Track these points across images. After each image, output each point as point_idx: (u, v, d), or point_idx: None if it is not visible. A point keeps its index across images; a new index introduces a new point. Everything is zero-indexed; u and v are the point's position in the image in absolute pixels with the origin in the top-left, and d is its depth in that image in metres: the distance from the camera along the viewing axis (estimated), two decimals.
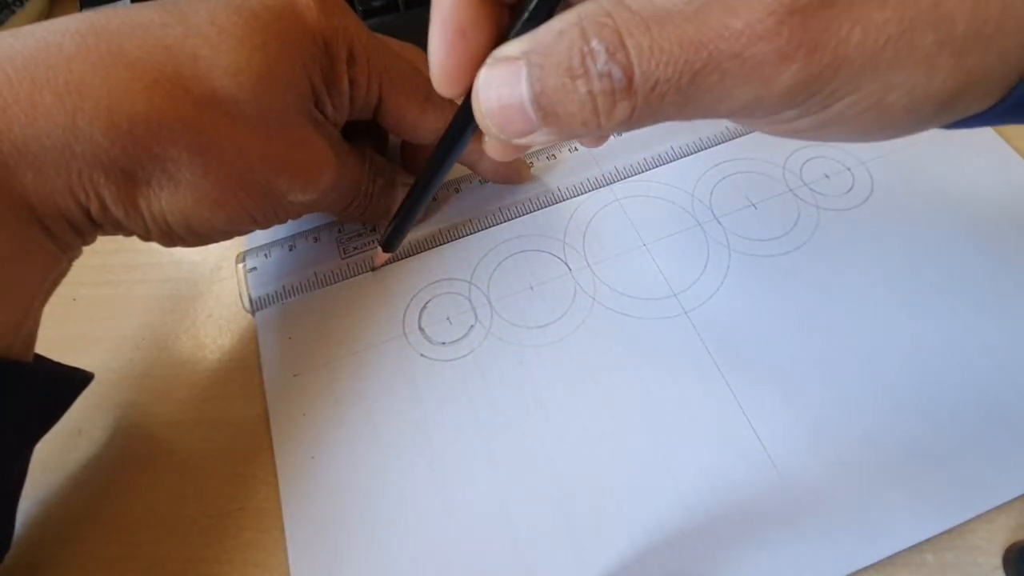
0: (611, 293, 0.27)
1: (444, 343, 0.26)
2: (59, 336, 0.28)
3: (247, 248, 0.29)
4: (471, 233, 0.29)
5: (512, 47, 0.15)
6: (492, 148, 0.20)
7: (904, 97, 0.14)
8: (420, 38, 0.31)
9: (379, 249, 0.27)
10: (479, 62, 0.16)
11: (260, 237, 0.29)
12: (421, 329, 0.27)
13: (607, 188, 0.30)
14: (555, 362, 0.25)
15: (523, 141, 0.16)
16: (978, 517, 0.22)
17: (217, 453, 0.25)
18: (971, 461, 0.22)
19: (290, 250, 0.29)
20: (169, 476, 0.25)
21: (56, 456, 0.25)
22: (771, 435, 0.23)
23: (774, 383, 0.24)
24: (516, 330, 0.26)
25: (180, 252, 0.30)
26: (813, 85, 0.14)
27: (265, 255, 0.29)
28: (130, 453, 0.25)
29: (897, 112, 0.15)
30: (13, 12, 0.35)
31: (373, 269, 0.28)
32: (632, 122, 0.15)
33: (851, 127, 0.16)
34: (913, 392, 0.24)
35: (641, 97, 0.14)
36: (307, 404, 0.25)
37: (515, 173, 0.29)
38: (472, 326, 0.26)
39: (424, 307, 0.27)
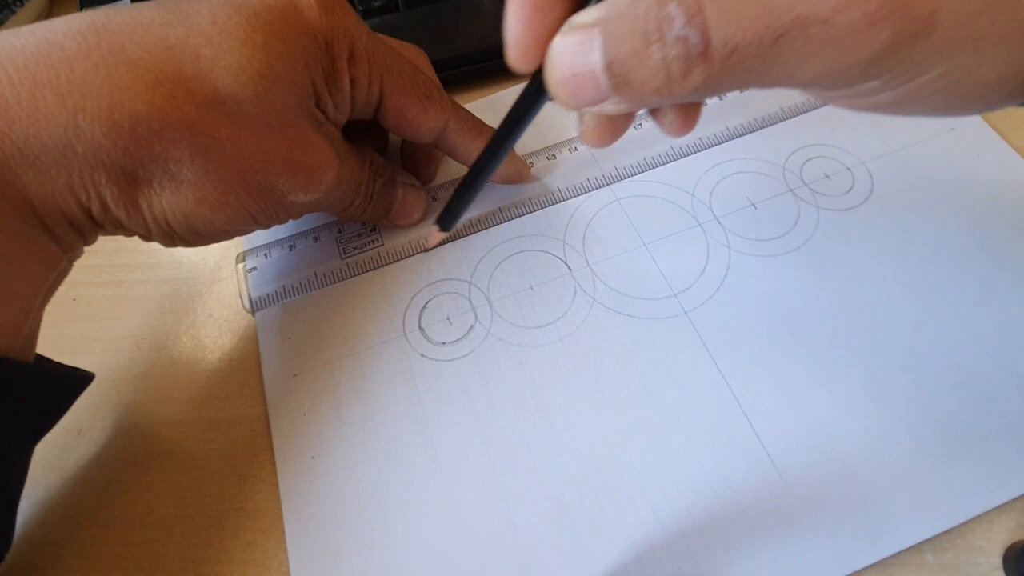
0: (611, 293, 0.27)
1: (444, 343, 0.26)
2: (59, 336, 0.28)
3: (247, 248, 0.29)
4: (471, 233, 0.29)
5: (587, 14, 0.15)
6: (589, 135, 0.20)
7: (995, 70, 0.14)
8: (420, 38, 0.31)
9: (434, 229, 0.27)
10: (553, 35, 0.16)
11: (260, 237, 0.29)
12: (421, 329, 0.27)
13: (607, 188, 0.30)
14: (555, 362, 0.25)
15: (593, 110, 0.16)
16: (978, 517, 0.22)
17: (217, 453, 0.25)
18: (971, 461, 0.22)
19: (290, 250, 0.29)
20: (169, 476, 0.25)
21: (56, 456, 0.25)
22: (771, 435, 0.23)
23: (774, 383, 0.24)
24: (516, 330, 0.26)
25: (180, 252, 0.30)
26: (901, 52, 0.13)
27: (265, 255, 0.29)
28: (130, 453, 0.25)
29: (985, 86, 0.14)
30: (13, 12, 0.35)
31: (426, 249, 0.28)
32: (705, 89, 0.14)
33: (934, 101, 0.15)
34: (913, 392, 0.24)
35: (718, 63, 0.14)
36: (307, 404, 0.25)
37: (515, 173, 0.29)
38: (472, 326, 0.26)
39: (424, 307, 0.27)
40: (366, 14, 0.32)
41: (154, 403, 0.26)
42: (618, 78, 0.15)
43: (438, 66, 0.32)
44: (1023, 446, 0.22)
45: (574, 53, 0.15)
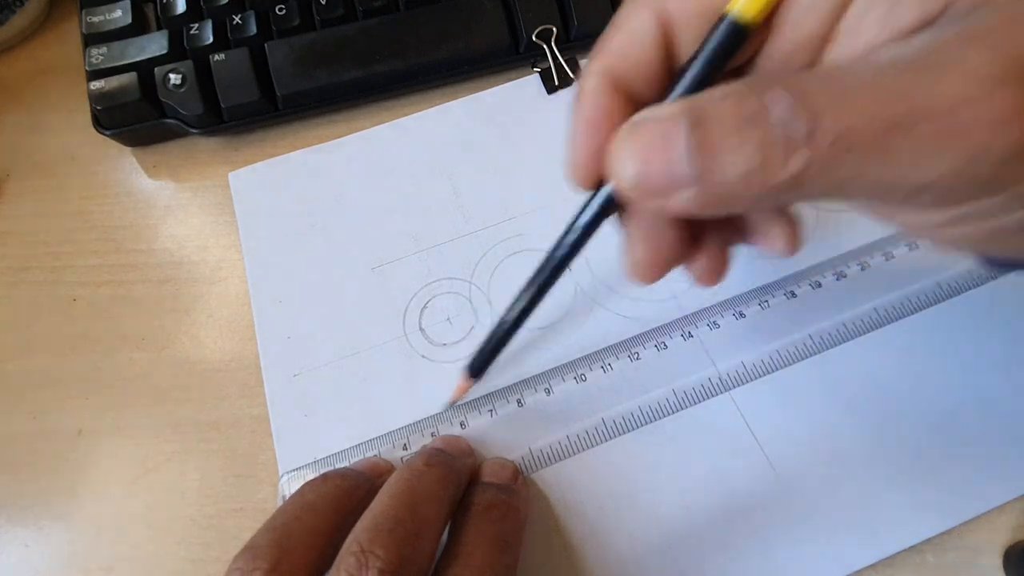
0: (611, 295, 0.27)
1: (445, 344, 0.26)
2: (59, 336, 0.28)
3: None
4: (471, 232, 0.29)
5: (664, 108, 0.14)
6: (637, 266, 0.18)
7: None
8: (420, 38, 0.31)
9: (463, 374, 0.24)
10: None
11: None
12: (422, 330, 0.26)
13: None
14: (554, 365, 0.25)
15: (661, 205, 0.14)
16: (979, 517, 0.22)
17: (217, 453, 0.25)
18: (971, 462, 0.22)
19: None
20: (169, 476, 0.25)
21: (56, 456, 0.25)
22: (769, 437, 0.23)
23: (772, 385, 0.24)
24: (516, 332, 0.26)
25: (180, 252, 0.30)
26: None
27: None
28: (130, 453, 0.25)
29: None
30: (13, 12, 0.35)
31: (452, 404, 0.25)
32: (802, 182, 0.13)
33: None
34: (911, 392, 0.24)
35: (823, 149, 0.12)
36: (307, 404, 0.25)
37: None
38: (473, 327, 0.26)
39: (425, 307, 0.27)
40: (366, 14, 0.32)
41: (154, 403, 0.26)
42: (705, 161, 0.13)
43: (437, 66, 0.32)
44: (1023, 446, 0.22)
45: (647, 146, 0.14)
